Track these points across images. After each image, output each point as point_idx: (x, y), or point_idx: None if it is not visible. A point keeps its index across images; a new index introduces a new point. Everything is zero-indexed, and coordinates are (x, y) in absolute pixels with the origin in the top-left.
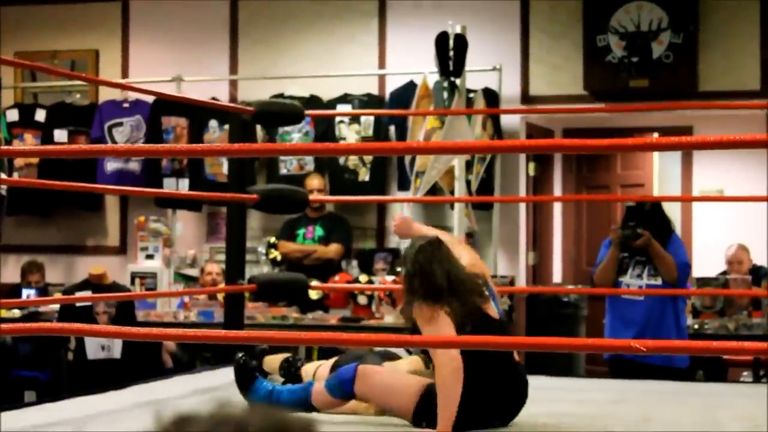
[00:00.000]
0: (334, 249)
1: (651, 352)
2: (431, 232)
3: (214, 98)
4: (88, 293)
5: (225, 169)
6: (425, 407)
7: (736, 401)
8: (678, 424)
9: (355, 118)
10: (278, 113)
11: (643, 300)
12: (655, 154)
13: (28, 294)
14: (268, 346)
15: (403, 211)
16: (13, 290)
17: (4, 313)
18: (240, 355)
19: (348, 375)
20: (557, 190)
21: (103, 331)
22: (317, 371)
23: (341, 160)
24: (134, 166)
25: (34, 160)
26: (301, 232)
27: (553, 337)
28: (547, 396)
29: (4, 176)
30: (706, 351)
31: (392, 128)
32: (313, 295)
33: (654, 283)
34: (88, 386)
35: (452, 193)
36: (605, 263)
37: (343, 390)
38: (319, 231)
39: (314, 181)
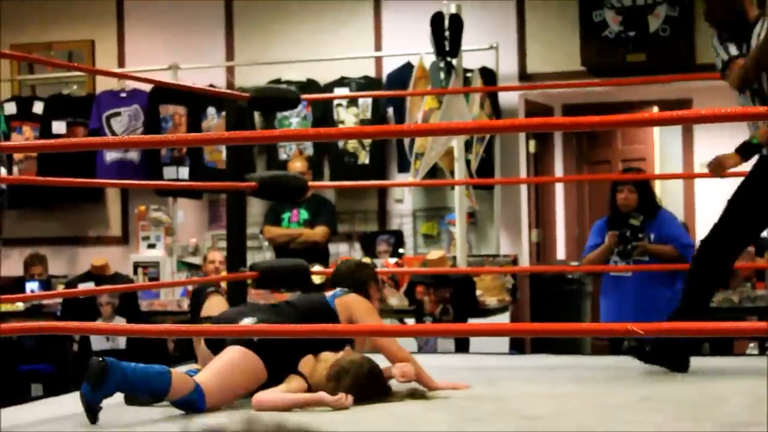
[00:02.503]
0: (320, 231)
1: (648, 335)
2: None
3: (211, 85)
4: (90, 284)
5: (225, 155)
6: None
7: (740, 376)
8: (678, 401)
9: (353, 101)
10: (274, 99)
11: (631, 276)
12: (656, 129)
13: (32, 288)
14: None
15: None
16: (17, 283)
17: (8, 307)
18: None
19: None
20: (558, 167)
21: (106, 328)
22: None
23: (340, 143)
24: (133, 155)
25: (33, 152)
26: (286, 215)
27: (557, 314)
28: (548, 375)
29: (4, 170)
30: (703, 332)
31: (390, 110)
32: (316, 279)
33: (641, 259)
34: None
35: (452, 173)
36: (595, 256)
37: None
38: (304, 214)
39: (297, 164)
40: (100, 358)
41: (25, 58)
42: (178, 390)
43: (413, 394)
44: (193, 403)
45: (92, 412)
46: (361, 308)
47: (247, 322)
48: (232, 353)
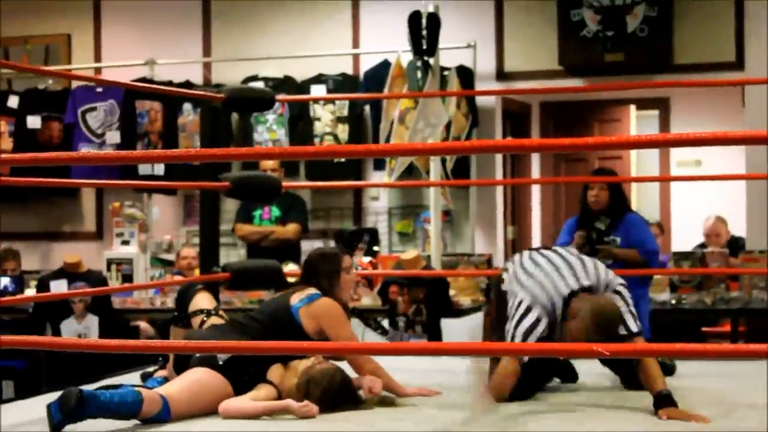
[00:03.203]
0: (292, 229)
1: (613, 356)
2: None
3: (188, 81)
4: (63, 282)
5: None
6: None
7: (711, 381)
8: (647, 409)
9: None
10: (248, 99)
11: None
12: (633, 125)
13: (4, 283)
14: None
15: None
16: None
17: None
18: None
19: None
20: (535, 162)
21: (85, 344)
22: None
23: (317, 140)
24: (108, 150)
25: (8, 146)
26: (257, 213)
27: None
28: None
29: None
30: (666, 353)
31: (367, 108)
32: (291, 279)
33: (606, 262)
34: (65, 376)
35: (428, 172)
36: None
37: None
38: (275, 211)
39: (268, 161)
40: (77, 389)
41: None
42: (147, 412)
43: (382, 402)
44: (160, 419)
45: (57, 430)
46: (330, 318)
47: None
48: (200, 373)
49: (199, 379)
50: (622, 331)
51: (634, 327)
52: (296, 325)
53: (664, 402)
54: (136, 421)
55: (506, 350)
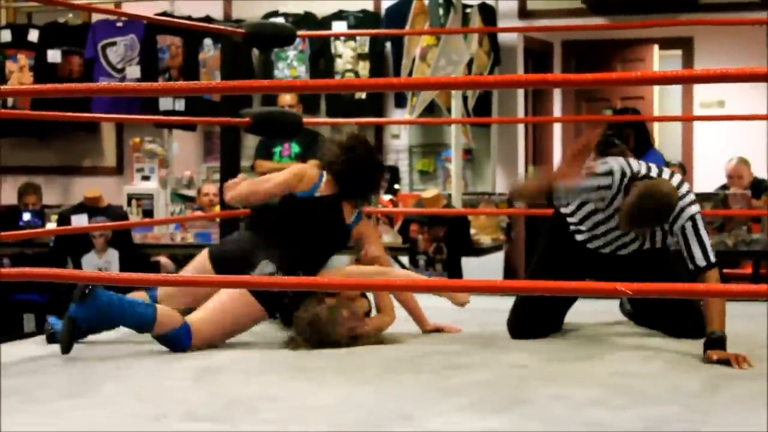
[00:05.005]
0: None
1: (635, 295)
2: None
3: (207, 16)
4: (84, 216)
5: None
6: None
7: (733, 323)
8: (667, 351)
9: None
10: (269, 35)
11: None
12: (656, 65)
13: (26, 218)
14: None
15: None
16: (11, 212)
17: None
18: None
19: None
20: (557, 103)
21: (106, 278)
22: None
23: (338, 77)
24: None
25: (28, 80)
26: (277, 150)
27: None
28: None
29: None
30: (690, 293)
31: (388, 45)
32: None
33: None
34: None
35: (449, 110)
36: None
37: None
38: (295, 148)
39: (286, 97)
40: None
41: None
42: (165, 323)
43: (402, 338)
44: (179, 339)
45: (71, 334)
46: (370, 233)
47: (266, 270)
48: (229, 294)
49: (227, 302)
50: (690, 266)
51: (701, 260)
52: (347, 238)
53: (714, 344)
54: (157, 346)
55: (524, 288)
